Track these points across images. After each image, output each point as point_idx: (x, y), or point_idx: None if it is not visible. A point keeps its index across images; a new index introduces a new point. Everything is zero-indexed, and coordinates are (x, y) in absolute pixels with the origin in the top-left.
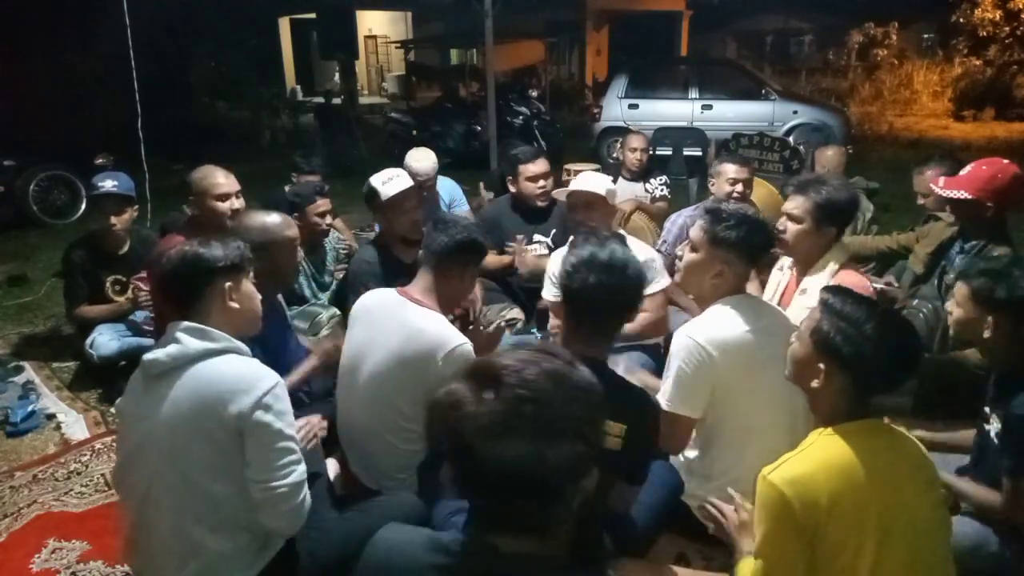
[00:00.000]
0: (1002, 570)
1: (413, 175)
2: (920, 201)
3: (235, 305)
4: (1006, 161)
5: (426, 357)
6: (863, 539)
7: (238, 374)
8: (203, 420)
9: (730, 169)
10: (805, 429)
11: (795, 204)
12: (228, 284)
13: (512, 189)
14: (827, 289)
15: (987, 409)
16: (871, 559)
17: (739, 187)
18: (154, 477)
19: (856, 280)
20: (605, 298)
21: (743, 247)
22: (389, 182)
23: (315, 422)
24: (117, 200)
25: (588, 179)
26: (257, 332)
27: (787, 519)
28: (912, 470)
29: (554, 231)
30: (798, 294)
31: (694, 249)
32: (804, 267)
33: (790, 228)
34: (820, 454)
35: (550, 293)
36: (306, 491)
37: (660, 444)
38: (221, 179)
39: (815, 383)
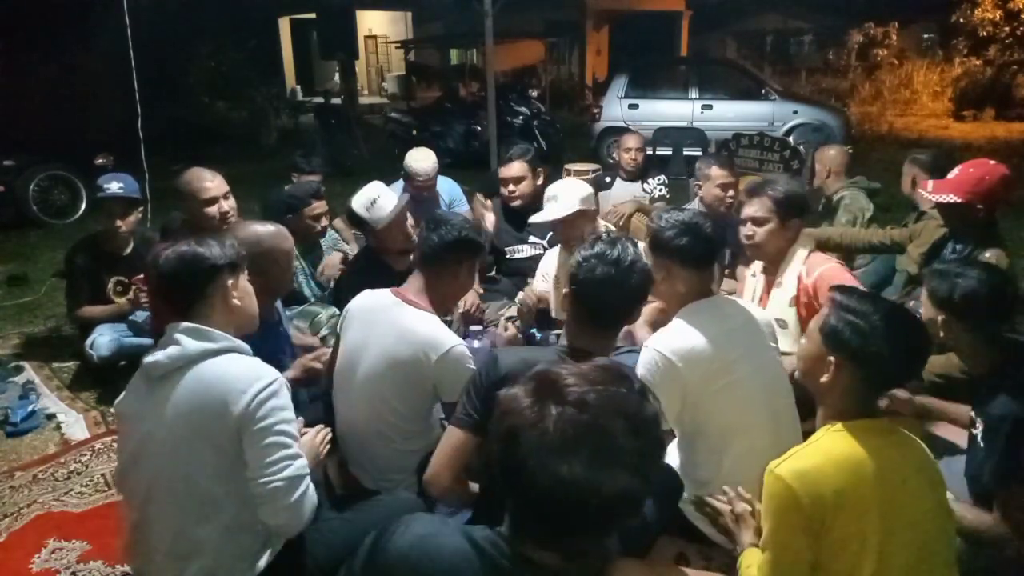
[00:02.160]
0: (1000, 566)
1: (413, 175)
2: (906, 190)
3: (237, 302)
4: (993, 162)
5: (418, 358)
6: (867, 535)
7: (237, 374)
8: (205, 422)
9: (719, 173)
10: (789, 426)
11: (755, 207)
12: (230, 282)
13: None
14: (834, 288)
15: (972, 413)
16: (875, 556)
17: (730, 192)
18: (156, 478)
19: (825, 262)
20: (610, 290)
21: (675, 252)
22: (373, 206)
23: (319, 438)
24: (123, 203)
25: (560, 199)
26: (255, 330)
27: (794, 512)
28: (917, 471)
29: (551, 233)
30: (774, 288)
31: (646, 255)
32: (775, 265)
33: (758, 232)
34: (827, 448)
35: (540, 287)
36: (307, 487)
37: None
38: (208, 183)
39: (824, 378)
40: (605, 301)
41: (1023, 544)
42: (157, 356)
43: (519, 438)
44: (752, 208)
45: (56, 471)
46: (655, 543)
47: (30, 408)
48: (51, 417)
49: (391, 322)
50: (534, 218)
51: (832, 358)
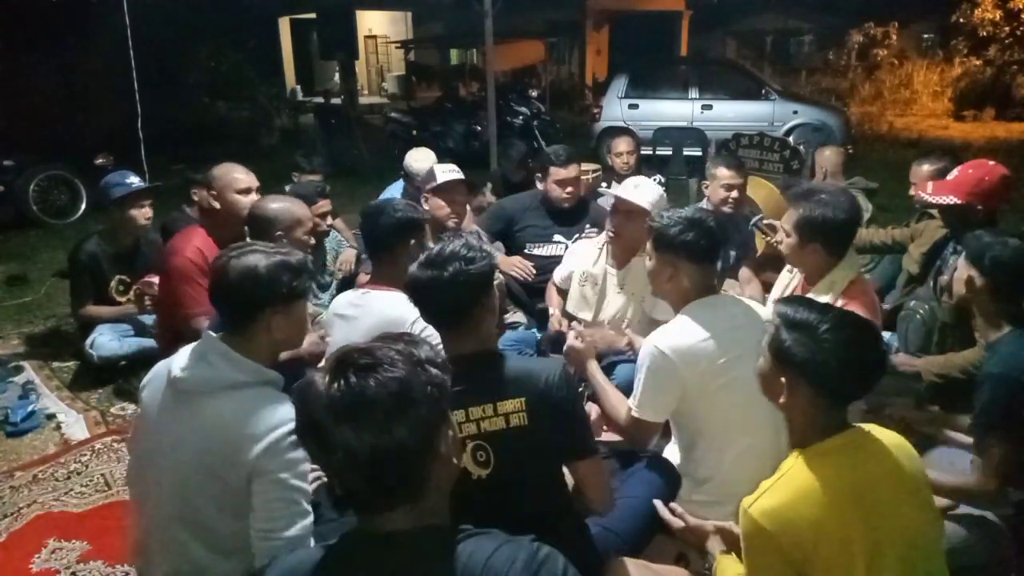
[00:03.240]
0: (992, 564)
1: (413, 175)
2: (911, 192)
3: (278, 336)
4: (992, 163)
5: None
6: (853, 558)
7: (256, 416)
8: (215, 459)
9: (725, 174)
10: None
11: (788, 216)
12: (278, 315)
13: (540, 186)
14: (780, 300)
15: None
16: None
17: (734, 193)
18: (161, 494)
19: (858, 306)
20: (434, 291)
21: (681, 247)
22: (448, 172)
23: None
24: (144, 195)
25: (638, 190)
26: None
27: (771, 552)
28: (896, 480)
29: (577, 235)
30: (809, 294)
31: (649, 256)
32: (809, 278)
33: (784, 241)
34: (798, 481)
35: (558, 277)
36: (309, 544)
37: (627, 440)
38: (243, 175)
39: (782, 399)
40: (434, 304)
41: (997, 487)
42: (186, 376)
43: (312, 412)
44: (786, 215)
45: (56, 471)
46: (654, 543)
47: (30, 408)
48: (51, 417)
49: (364, 311)
50: (607, 191)
51: (783, 378)
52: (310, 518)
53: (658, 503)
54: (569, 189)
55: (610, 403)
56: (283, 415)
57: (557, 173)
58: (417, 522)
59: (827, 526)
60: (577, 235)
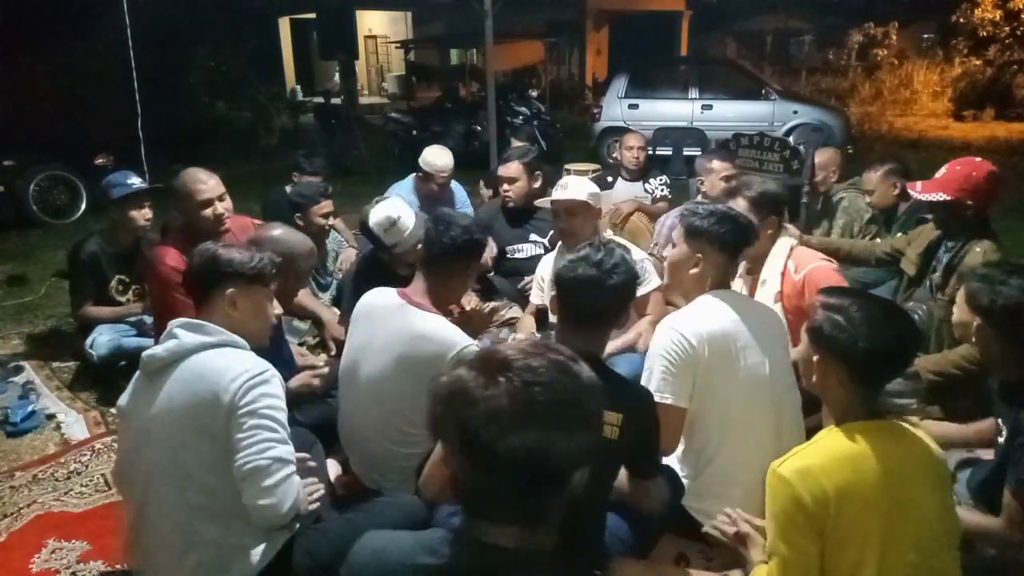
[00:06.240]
0: (1002, 561)
1: (435, 172)
2: (867, 200)
3: (235, 314)
4: (979, 159)
5: (433, 362)
6: (868, 536)
7: (228, 364)
8: (198, 413)
9: (721, 166)
10: (791, 421)
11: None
12: (231, 291)
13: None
14: (822, 290)
15: (999, 421)
16: (877, 557)
17: (734, 183)
18: (153, 471)
19: (813, 259)
20: (590, 291)
21: (715, 238)
22: (392, 228)
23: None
24: (144, 196)
25: (570, 187)
26: (260, 345)
27: (797, 511)
28: (922, 470)
29: (551, 232)
30: (759, 287)
31: (675, 245)
32: (758, 264)
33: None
34: (829, 447)
35: (537, 297)
36: (290, 472)
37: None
38: (203, 184)
39: (815, 377)
40: (584, 302)
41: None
42: (156, 350)
43: (470, 417)
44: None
45: (56, 471)
46: (655, 543)
47: (30, 408)
48: (51, 417)
49: (397, 324)
50: (540, 201)
51: (816, 356)
52: (288, 446)
53: (725, 514)
54: (505, 187)
55: None
56: (252, 362)
57: (499, 171)
58: (525, 541)
59: (851, 495)
60: (551, 231)
